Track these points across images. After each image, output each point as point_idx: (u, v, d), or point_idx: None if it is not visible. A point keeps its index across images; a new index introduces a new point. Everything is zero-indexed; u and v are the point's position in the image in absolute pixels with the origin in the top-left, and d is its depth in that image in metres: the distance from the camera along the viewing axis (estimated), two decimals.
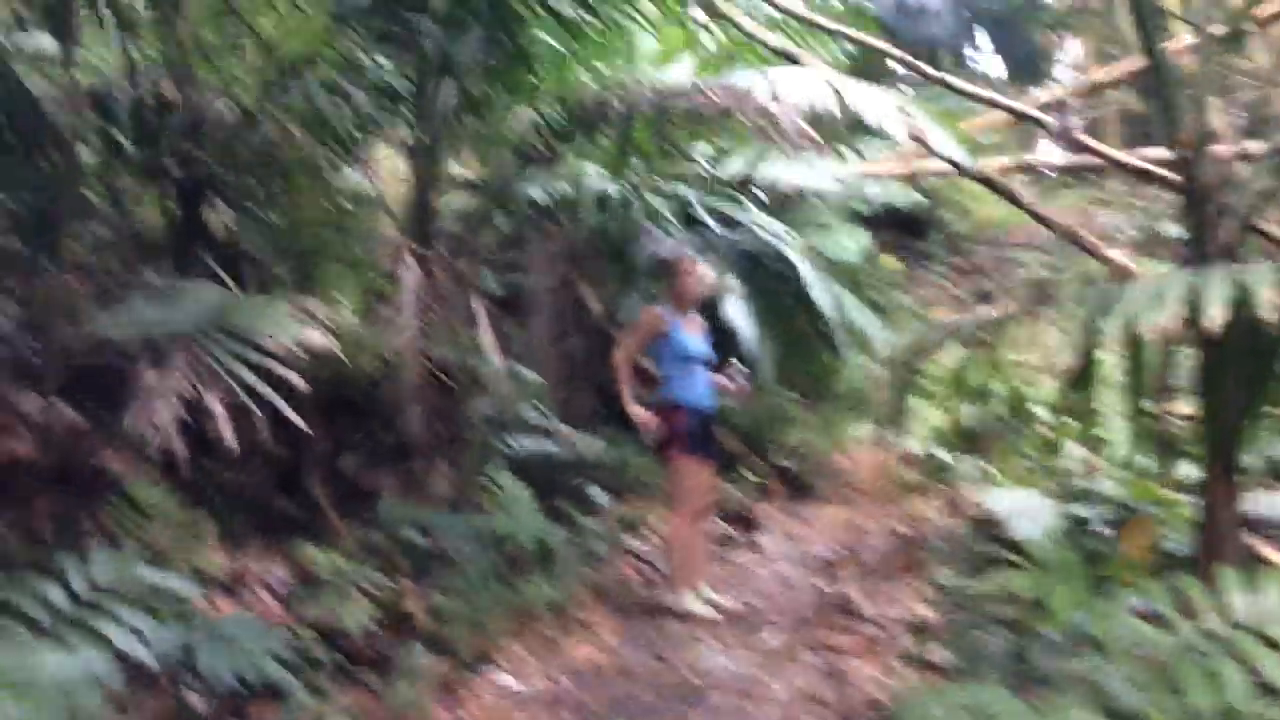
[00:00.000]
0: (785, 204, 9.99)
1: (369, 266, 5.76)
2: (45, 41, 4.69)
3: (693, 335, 5.30)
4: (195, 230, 5.08)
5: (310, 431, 5.29)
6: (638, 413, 5.25)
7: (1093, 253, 7.23)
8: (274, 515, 5.04)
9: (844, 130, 6.78)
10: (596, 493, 6.81)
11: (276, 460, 5.20)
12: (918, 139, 5.79)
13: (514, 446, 6.40)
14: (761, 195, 8.87)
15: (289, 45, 5.02)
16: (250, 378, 3.52)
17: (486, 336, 6.78)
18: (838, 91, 5.62)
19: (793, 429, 8.30)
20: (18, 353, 4.42)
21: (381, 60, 6.28)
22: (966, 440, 6.90)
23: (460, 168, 9.68)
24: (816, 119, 5.72)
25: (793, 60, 7.95)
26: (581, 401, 8.92)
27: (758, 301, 7.89)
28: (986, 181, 7.33)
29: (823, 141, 5.79)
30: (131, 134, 4.91)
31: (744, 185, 9.17)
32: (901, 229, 16.22)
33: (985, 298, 15.32)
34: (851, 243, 11.96)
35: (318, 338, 3.86)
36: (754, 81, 5.68)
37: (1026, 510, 5.17)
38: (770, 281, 8.02)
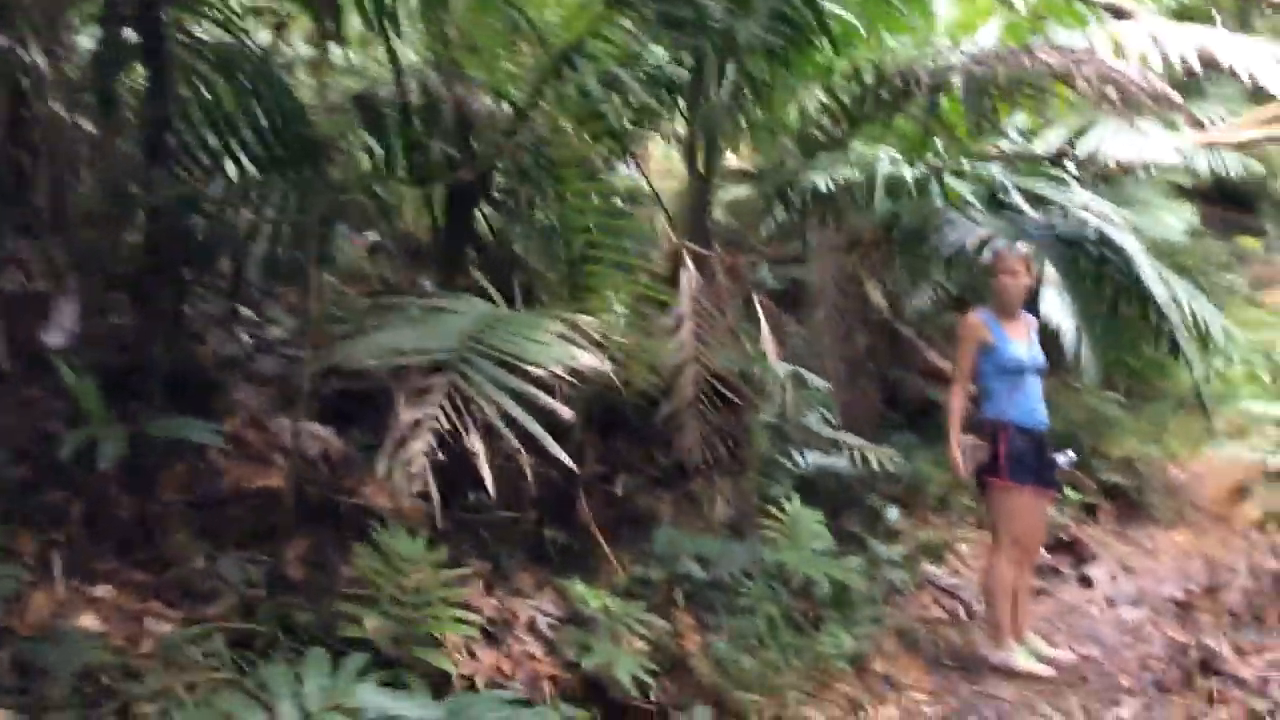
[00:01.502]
0: (1105, 179, 8.86)
1: (644, 271, 5.30)
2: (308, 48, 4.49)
3: (1019, 342, 4.51)
4: (463, 236, 4.78)
5: (582, 454, 5.02)
6: (953, 456, 4.51)
7: None
8: (544, 547, 4.67)
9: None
10: (892, 513, 6.11)
11: (547, 485, 4.85)
12: None
13: (799, 462, 5.79)
14: (1075, 170, 7.83)
15: (563, 34, 4.60)
16: (514, 409, 3.09)
17: (768, 340, 6.23)
18: (1203, 45, 4.68)
19: (1121, 437, 7.24)
20: (284, 372, 4.23)
21: (656, 47, 5.88)
22: None
23: (736, 158, 9.22)
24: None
25: (1120, 14, 6.90)
26: (867, 405, 8.23)
27: (1077, 292, 6.89)
28: None
29: (1168, 106, 4.84)
30: (399, 138, 4.64)
31: (1057, 160, 8.16)
32: (1227, 202, 14.40)
33: None
34: (1176, 220, 10.59)
35: (588, 359, 3.40)
36: (1096, 39, 4.81)
37: None
38: (1092, 268, 6.99)
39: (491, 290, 4.15)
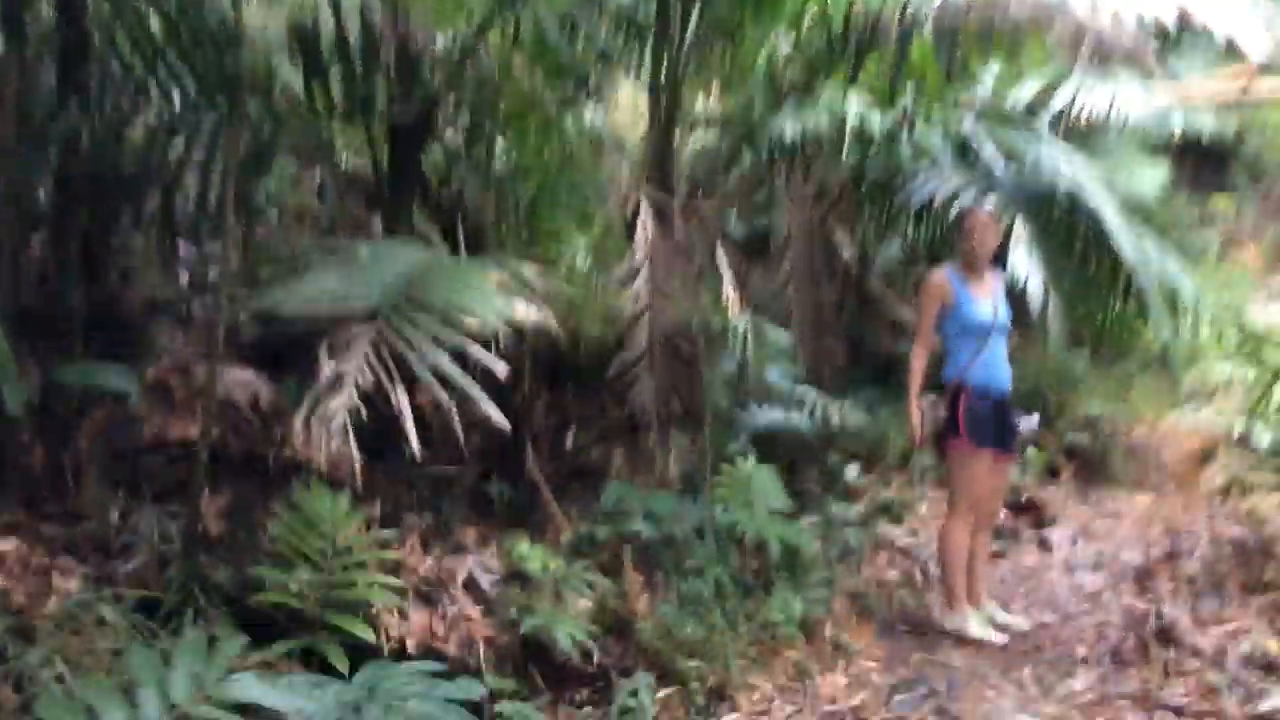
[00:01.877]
0: (1077, 134, 8.67)
1: (601, 218, 5.10)
2: None
3: (984, 301, 4.33)
4: (409, 178, 4.55)
5: (531, 406, 4.85)
6: (912, 417, 4.35)
7: None
8: (489, 502, 4.51)
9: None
10: (852, 471, 5.98)
11: (493, 438, 4.68)
12: None
13: (757, 418, 5.64)
14: (1048, 124, 7.63)
15: None
16: (445, 363, 2.91)
17: (730, 290, 6.05)
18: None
19: (1086, 395, 7.13)
20: (215, 316, 4.01)
21: None
22: None
23: (707, 103, 8.97)
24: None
25: None
26: (833, 359, 8.08)
27: (1046, 248, 6.73)
28: None
29: (1142, 59, 4.67)
30: (338, 72, 4.39)
31: (1030, 113, 7.96)
32: (1199, 160, 14.28)
33: None
34: (1148, 177, 10.44)
35: (528, 311, 3.22)
36: None
37: None
38: (1062, 224, 6.83)
39: (434, 236, 3.95)
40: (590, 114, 6.62)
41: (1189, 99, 7.87)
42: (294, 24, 4.43)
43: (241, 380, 3.87)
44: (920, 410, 4.30)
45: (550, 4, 4.95)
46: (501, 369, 3.00)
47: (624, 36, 6.23)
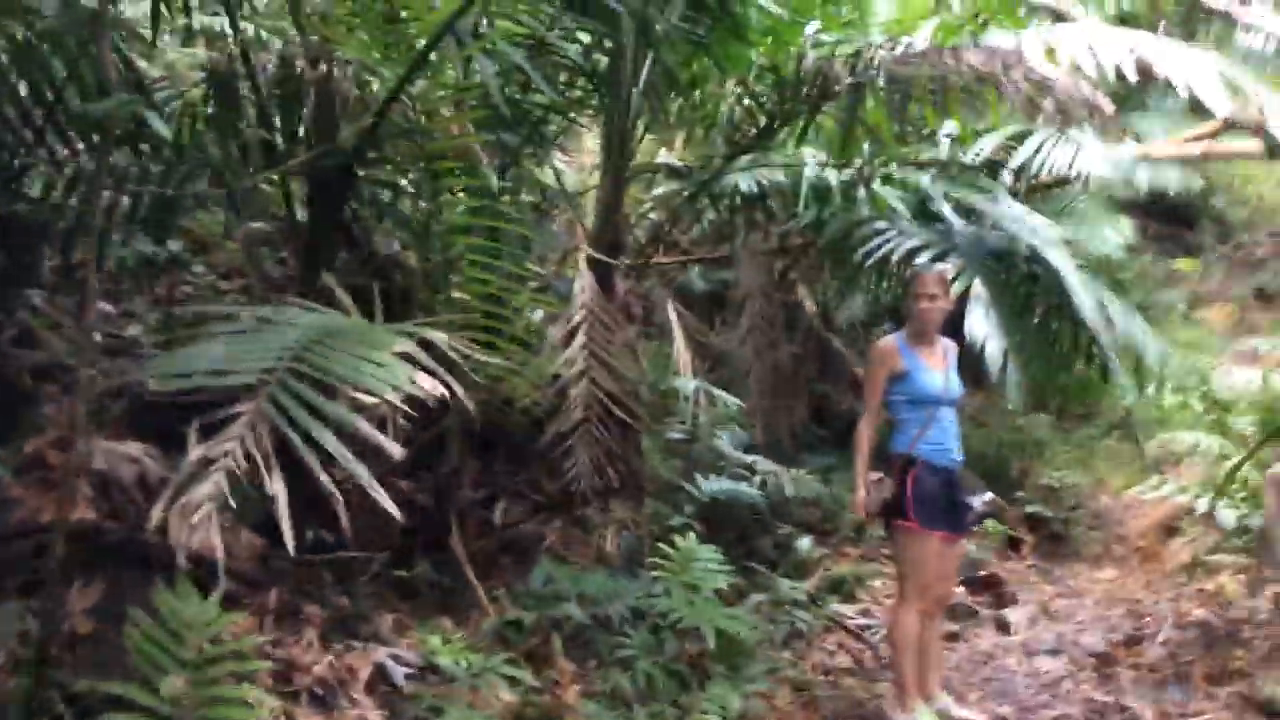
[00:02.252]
0: (1039, 191, 8.53)
1: (537, 276, 4.83)
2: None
3: (935, 371, 4.07)
4: (329, 233, 4.27)
5: (458, 478, 4.54)
6: (857, 494, 4.06)
7: None
8: (409, 584, 4.18)
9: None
10: (804, 543, 5.70)
11: (417, 513, 4.37)
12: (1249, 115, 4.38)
13: (705, 488, 5.34)
14: (1009, 181, 7.47)
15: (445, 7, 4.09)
16: (334, 444, 2.61)
17: (681, 351, 5.79)
18: (1137, 52, 4.31)
19: (1048, 463, 6.89)
20: (108, 383, 3.70)
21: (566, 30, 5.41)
22: None
23: (666, 154, 8.76)
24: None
25: (1060, 17, 6.55)
26: (791, 420, 7.84)
27: (1006, 309, 6.51)
28: None
29: (1099, 115, 4.47)
30: (256, 119, 4.13)
31: (990, 170, 7.80)
32: (1166, 217, 14.23)
33: (1266, 297, 13.17)
34: (1113, 235, 10.32)
35: (434, 386, 2.93)
36: (1026, 42, 4.42)
37: None
38: (1022, 285, 6.63)
39: (345, 298, 3.66)
40: (544, 167, 6.40)
41: (1154, 156, 7.71)
42: (210, 68, 4.18)
43: (127, 455, 3.54)
44: (867, 487, 4.02)
45: (492, 53, 4.73)
46: (395, 451, 2.69)
47: (577, 87, 6.01)
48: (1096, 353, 6.37)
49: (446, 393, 2.93)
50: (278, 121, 4.16)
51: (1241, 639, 4.50)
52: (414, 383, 2.86)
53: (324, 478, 2.57)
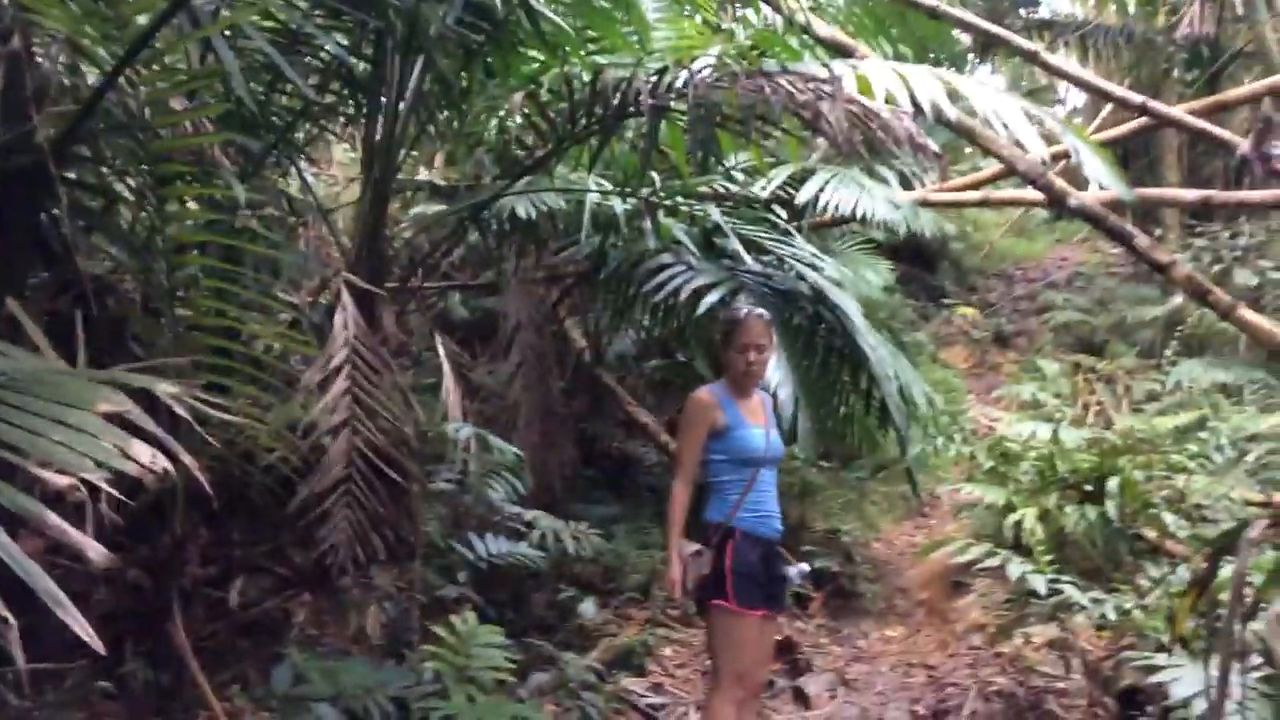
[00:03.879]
0: (812, 229, 8.45)
1: (286, 305, 4.10)
2: None
3: (756, 427, 3.65)
4: (20, 248, 3.40)
5: (182, 553, 3.73)
6: (671, 571, 3.55)
7: (1215, 307, 5.61)
8: (116, 682, 3.35)
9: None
10: (587, 608, 5.17)
11: (131, 596, 3.54)
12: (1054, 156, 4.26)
13: (478, 549, 4.73)
14: (784, 218, 7.30)
15: None
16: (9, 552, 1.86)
17: (451, 390, 5.15)
18: (956, 91, 4.10)
19: (824, 506, 6.69)
20: None
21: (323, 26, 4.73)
22: (1071, 554, 5.26)
23: (429, 171, 8.12)
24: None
25: (847, 53, 6.39)
26: (563, 461, 7.32)
27: (792, 352, 6.27)
28: (1091, 219, 5.74)
29: (923, 153, 4.23)
30: None
31: (769, 206, 7.62)
32: (912, 260, 14.78)
33: (1004, 339, 13.87)
34: (875, 276, 10.48)
35: (154, 458, 2.21)
36: (839, 72, 4.12)
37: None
38: (804, 325, 6.41)
39: (33, 329, 2.84)
40: (290, 177, 5.63)
41: (933, 201, 7.75)
42: None
43: None
44: (682, 560, 3.52)
45: (235, 40, 3.99)
46: (98, 555, 1.97)
47: (331, 91, 5.30)
48: (877, 396, 6.22)
49: (170, 465, 2.23)
50: None
51: (1048, 710, 4.32)
52: (126, 455, 2.15)
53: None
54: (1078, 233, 15.88)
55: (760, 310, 3.84)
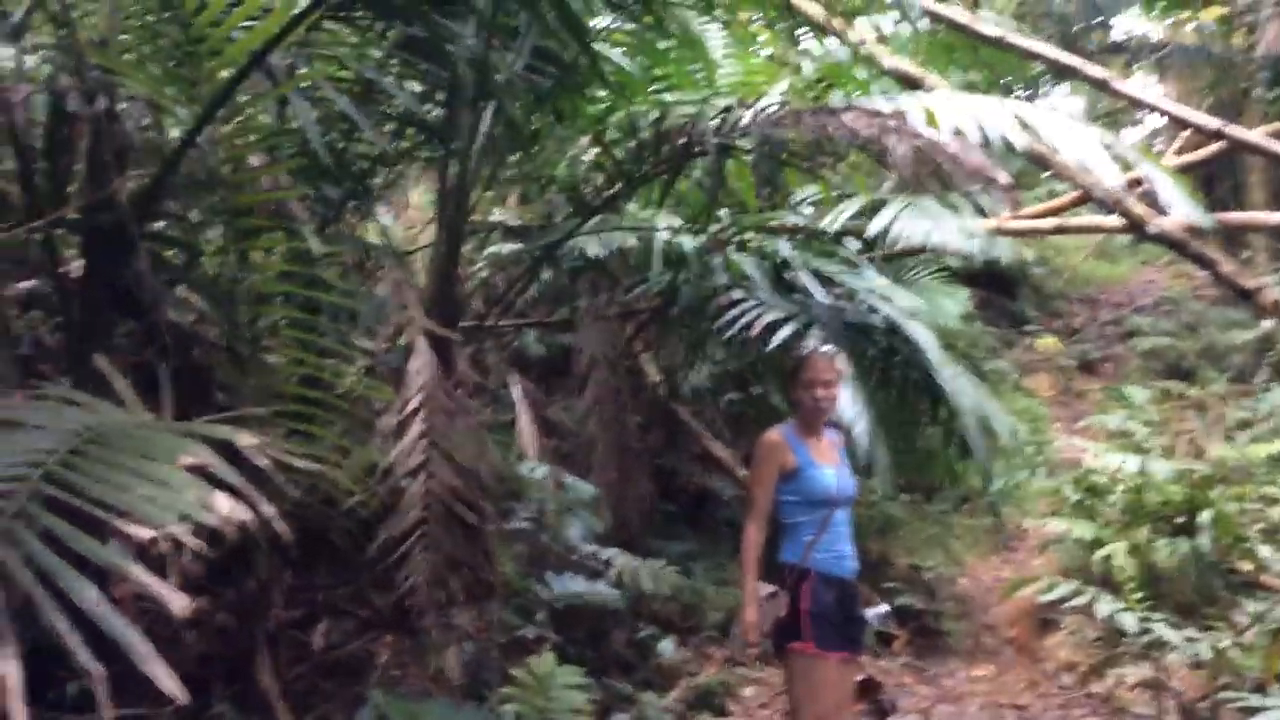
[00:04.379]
0: (885, 260, 8.38)
1: (364, 352, 4.18)
2: None
3: (827, 467, 3.62)
4: (107, 300, 3.52)
5: (267, 596, 3.81)
6: (746, 617, 3.51)
7: None
8: None
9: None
10: (666, 646, 5.15)
11: (218, 639, 3.62)
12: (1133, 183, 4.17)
13: (556, 588, 4.75)
14: (859, 248, 7.25)
15: (253, 40, 3.43)
16: (94, 604, 1.93)
17: (526, 430, 5.21)
18: (1025, 121, 4.04)
19: (910, 547, 6.58)
20: None
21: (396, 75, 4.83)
22: (1163, 590, 5.09)
23: (503, 212, 8.22)
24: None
25: (915, 85, 6.36)
26: (639, 497, 7.32)
27: (867, 385, 6.21)
28: (1172, 244, 5.61)
29: (993, 184, 4.17)
30: (16, 163, 3.36)
31: (839, 239, 7.58)
32: (990, 286, 14.56)
33: (1090, 366, 13.57)
34: (952, 304, 10.32)
35: (235, 509, 2.26)
36: (906, 106, 4.09)
37: None
38: (879, 359, 6.35)
39: (119, 382, 2.93)
40: (368, 222, 5.77)
41: (1007, 230, 7.63)
42: None
43: None
44: (760, 605, 3.49)
45: (311, 95, 4.11)
46: (180, 606, 2.02)
47: (406, 137, 5.42)
48: (957, 428, 6.13)
49: (250, 515, 2.28)
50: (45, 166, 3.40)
51: None
52: (207, 507, 2.21)
53: (79, 650, 1.89)
54: (1163, 255, 15.51)
55: (826, 346, 3.82)
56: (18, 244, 3.64)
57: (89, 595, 1.96)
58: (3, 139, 3.34)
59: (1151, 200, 5.60)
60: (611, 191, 5.48)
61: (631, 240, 6.01)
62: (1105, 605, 4.54)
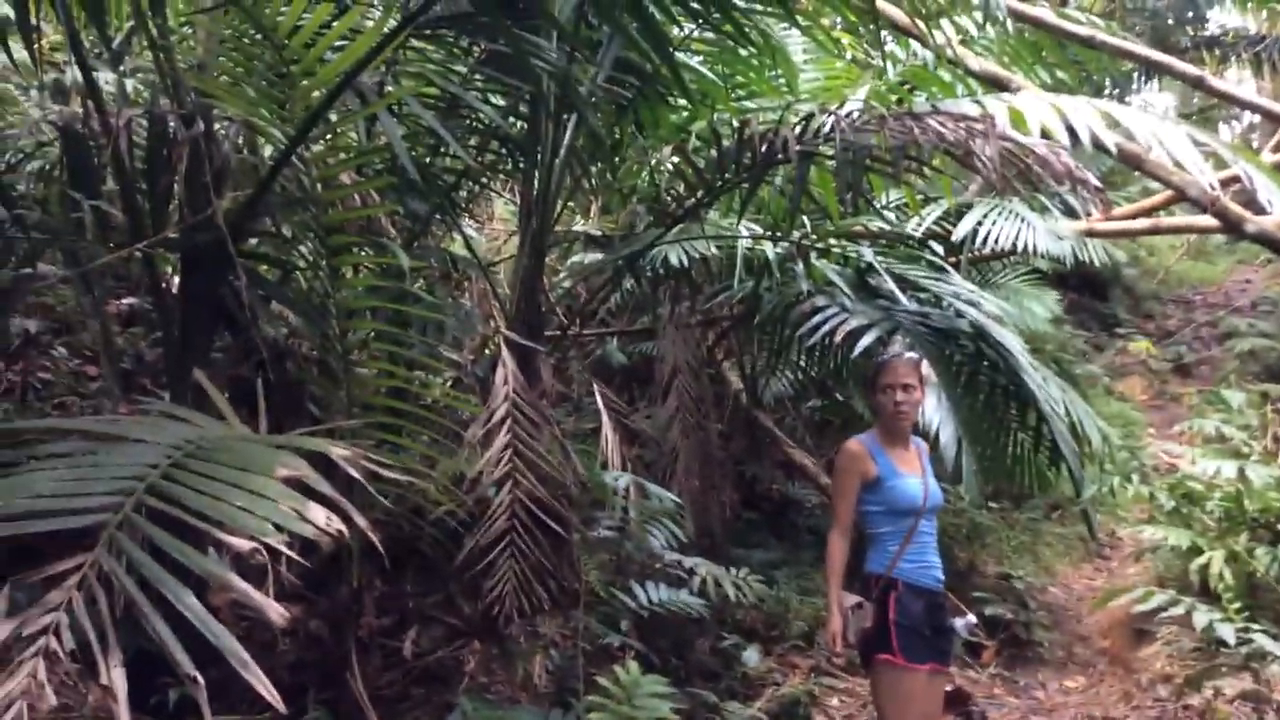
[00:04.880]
0: (972, 264, 8.26)
1: (451, 364, 4.24)
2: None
3: (911, 476, 3.58)
4: (204, 317, 3.64)
5: (360, 603, 3.89)
6: (832, 626, 3.51)
7: None
8: None
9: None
10: (751, 655, 5.13)
11: (312, 645, 3.71)
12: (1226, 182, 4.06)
13: (639, 597, 4.76)
14: (943, 253, 7.15)
15: (343, 62, 3.52)
16: (196, 612, 2.00)
17: (609, 439, 5.24)
18: (1115, 121, 3.96)
19: (1000, 555, 6.46)
20: None
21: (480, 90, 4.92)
22: (1262, 600, 4.93)
23: (585, 222, 8.29)
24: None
25: (1001, 86, 6.26)
26: (721, 504, 7.31)
27: (953, 391, 6.12)
28: (1271, 244, 5.44)
29: (1082, 186, 4.09)
30: (118, 184, 3.49)
31: (924, 243, 7.49)
32: (1080, 288, 14.24)
33: (1185, 369, 13.17)
34: (1040, 308, 10.12)
35: (329, 520, 2.32)
36: (993, 108, 4.04)
37: None
38: (966, 365, 6.25)
39: (216, 396, 3.02)
40: (454, 235, 5.86)
41: (1098, 232, 7.46)
42: (61, 122, 3.54)
43: None
44: (843, 614, 3.47)
45: (398, 113, 4.21)
46: (277, 617, 2.08)
47: (490, 151, 5.50)
48: (1046, 434, 6.01)
49: (343, 526, 2.34)
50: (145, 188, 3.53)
51: None
52: (302, 518, 2.27)
53: (180, 656, 1.96)
54: (1260, 254, 15.02)
55: (906, 351, 3.78)
56: (120, 262, 3.79)
57: (190, 603, 2.03)
58: (106, 162, 3.46)
59: (1250, 199, 5.45)
60: (693, 200, 5.49)
61: (713, 248, 6.02)
62: (1202, 615, 4.42)
